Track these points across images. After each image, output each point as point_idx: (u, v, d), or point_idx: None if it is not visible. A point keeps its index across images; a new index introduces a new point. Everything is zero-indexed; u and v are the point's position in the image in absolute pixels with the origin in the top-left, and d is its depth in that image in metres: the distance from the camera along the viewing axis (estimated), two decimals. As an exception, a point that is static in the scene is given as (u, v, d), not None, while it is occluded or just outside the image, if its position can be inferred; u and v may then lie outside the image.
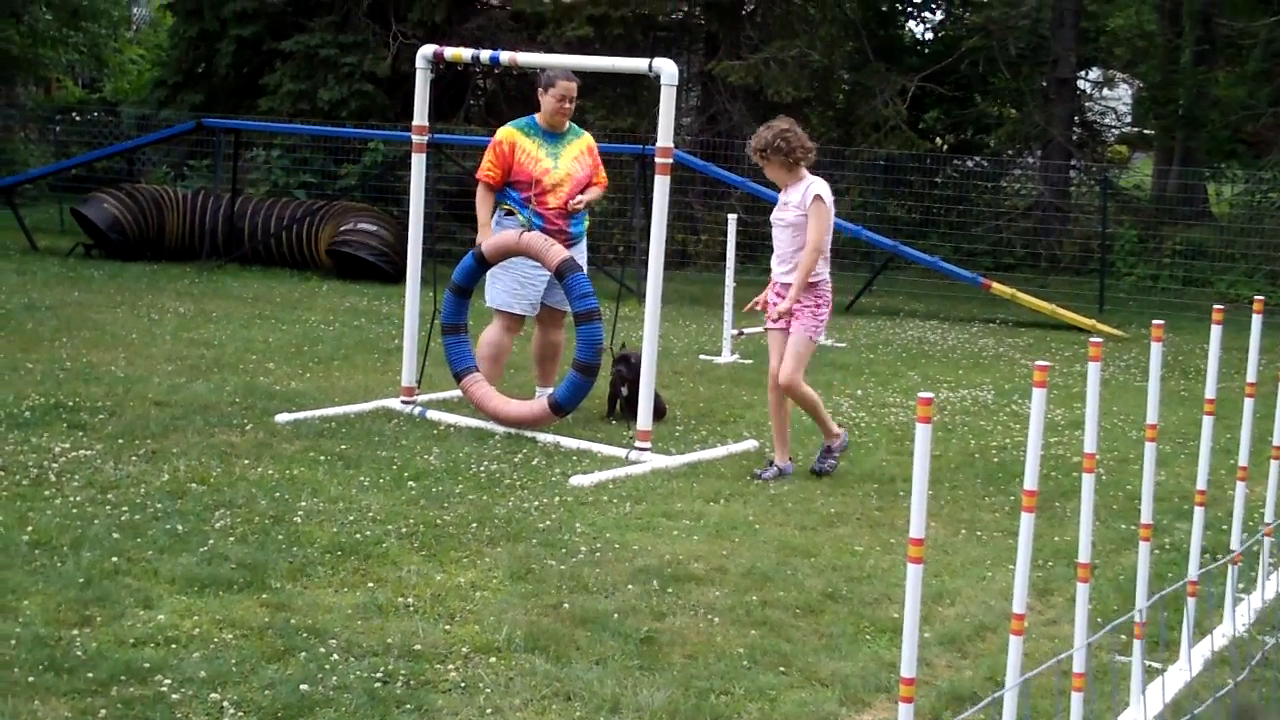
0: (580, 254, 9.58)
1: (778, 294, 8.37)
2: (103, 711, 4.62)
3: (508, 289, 9.60)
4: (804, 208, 8.21)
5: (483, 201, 9.59)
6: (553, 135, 9.65)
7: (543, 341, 9.94)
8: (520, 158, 9.50)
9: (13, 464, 7.53)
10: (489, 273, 9.54)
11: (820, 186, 8.25)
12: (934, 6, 27.12)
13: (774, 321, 8.26)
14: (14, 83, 26.18)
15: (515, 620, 5.65)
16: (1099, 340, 4.32)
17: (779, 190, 8.50)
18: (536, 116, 9.66)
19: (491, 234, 9.46)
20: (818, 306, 8.24)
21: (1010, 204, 22.78)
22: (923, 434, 3.84)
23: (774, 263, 8.44)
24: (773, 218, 8.45)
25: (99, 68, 31.76)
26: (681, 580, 6.27)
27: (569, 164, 9.59)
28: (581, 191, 9.64)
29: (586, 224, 9.90)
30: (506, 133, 9.60)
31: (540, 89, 9.60)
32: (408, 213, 10.22)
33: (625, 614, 5.78)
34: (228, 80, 23.11)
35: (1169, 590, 5.36)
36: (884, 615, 5.97)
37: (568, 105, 9.61)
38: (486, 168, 9.58)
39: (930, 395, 3.77)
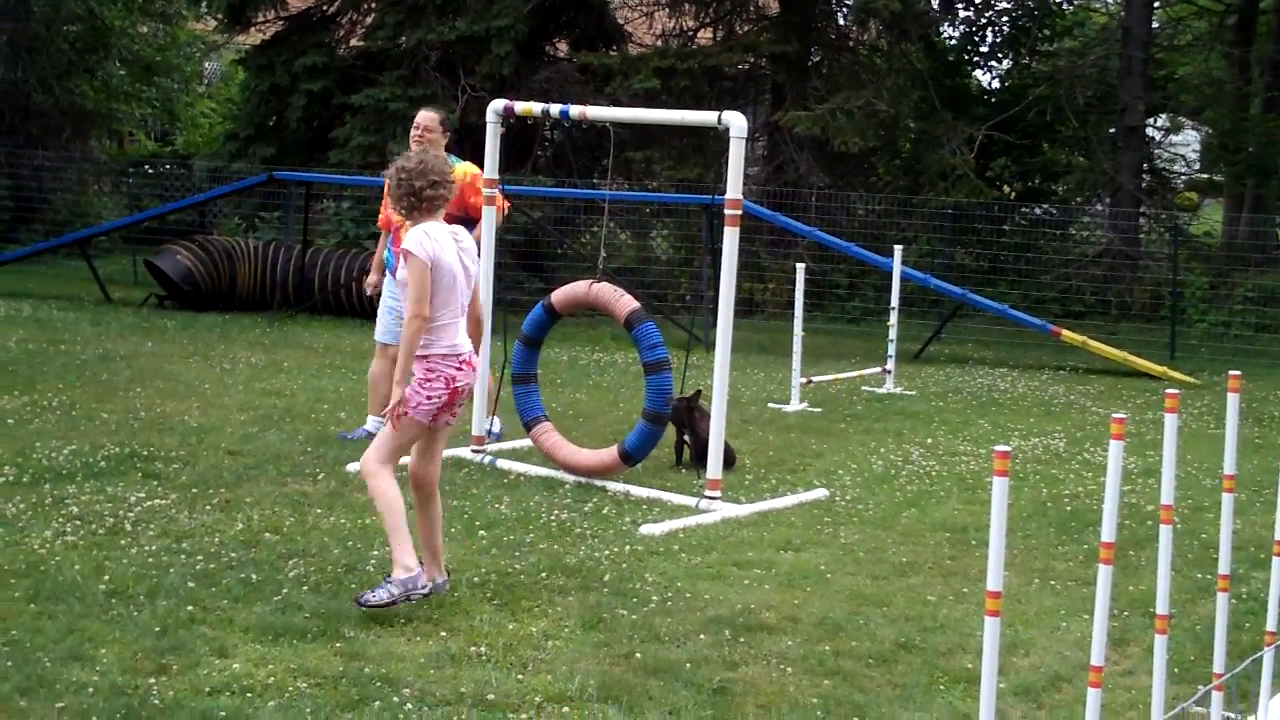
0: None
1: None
2: (180, 759, 4.65)
3: (390, 322, 9.77)
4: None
5: (378, 248, 10.04)
6: None
7: (376, 372, 9.95)
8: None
9: (89, 513, 7.61)
10: (381, 305, 9.92)
11: (411, 238, 6.40)
12: (1001, 56, 27.07)
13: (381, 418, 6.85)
14: (88, 136, 26.56)
15: (588, 670, 5.65)
16: (1175, 391, 4.29)
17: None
18: None
19: (375, 270, 10.07)
20: (425, 380, 6.39)
21: (1079, 251, 22.66)
22: (1000, 487, 3.82)
23: None
24: None
25: (171, 121, 32.18)
26: (753, 630, 6.25)
27: None
28: (452, 222, 9.41)
29: None
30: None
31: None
32: (476, 262, 10.29)
33: (697, 664, 5.77)
34: (298, 133, 23.35)
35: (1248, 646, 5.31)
36: (958, 665, 5.93)
37: (419, 135, 9.63)
38: (381, 210, 9.93)
39: (1007, 448, 3.75)
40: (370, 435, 9.32)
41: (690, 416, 9.58)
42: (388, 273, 9.92)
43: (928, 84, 23.31)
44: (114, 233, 22.26)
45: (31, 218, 23.23)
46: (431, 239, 6.35)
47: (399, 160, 6.50)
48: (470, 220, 9.69)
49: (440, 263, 6.35)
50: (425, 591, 6.27)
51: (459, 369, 6.43)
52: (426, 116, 9.75)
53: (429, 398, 6.38)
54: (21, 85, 23.94)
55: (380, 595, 6.18)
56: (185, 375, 12.46)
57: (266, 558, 6.97)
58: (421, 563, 6.41)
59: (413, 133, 9.71)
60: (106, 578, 6.50)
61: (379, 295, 10.15)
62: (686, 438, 9.66)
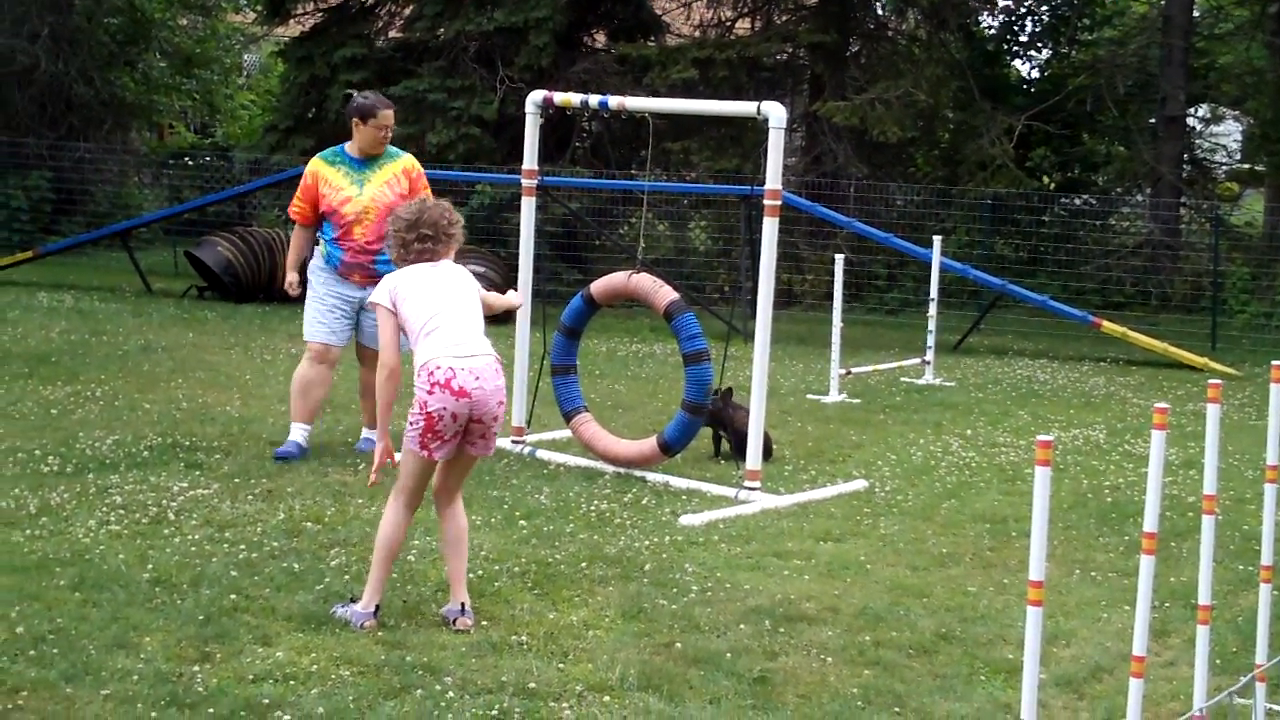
0: None
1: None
2: (224, 747, 4.69)
3: (311, 318, 9.30)
4: None
5: (293, 238, 9.44)
6: (361, 162, 9.26)
7: (364, 380, 9.38)
8: (323, 189, 9.18)
9: (132, 503, 7.67)
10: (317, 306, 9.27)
11: (378, 288, 6.30)
12: (1040, 45, 26.95)
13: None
14: (129, 129, 26.71)
15: (628, 659, 5.67)
16: (1218, 382, 4.28)
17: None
18: (346, 145, 9.34)
19: (291, 268, 9.37)
20: (414, 402, 6.05)
21: (1119, 242, 22.55)
22: (1042, 477, 3.83)
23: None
24: None
25: (211, 113, 32.33)
26: (793, 620, 6.26)
27: (376, 190, 9.18)
28: None
29: None
30: (313, 164, 9.34)
31: (355, 118, 9.21)
32: (514, 254, 10.30)
33: (738, 653, 5.78)
34: (338, 125, 23.32)
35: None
36: (998, 656, 5.93)
37: (385, 135, 9.29)
38: (294, 203, 9.35)
39: (1050, 438, 3.75)
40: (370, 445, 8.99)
41: (725, 414, 9.54)
42: (320, 271, 9.29)
43: (966, 74, 23.22)
44: (155, 224, 22.37)
45: (73, 209, 23.38)
46: (392, 277, 6.23)
47: (399, 209, 6.43)
48: None
49: (400, 293, 6.13)
50: (366, 628, 5.87)
51: (430, 391, 5.94)
52: (391, 116, 9.33)
53: (411, 423, 6.02)
54: (63, 77, 24.07)
55: (341, 613, 5.98)
56: (226, 366, 12.53)
57: (308, 547, 7.01)
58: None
59: (382, 134, 9.26)
60: (150, 566, 6.55)
61: (302, 296, 9.49)
62: (723, 434, 9.67)
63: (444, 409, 5.91)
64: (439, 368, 5.92)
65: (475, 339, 6.08)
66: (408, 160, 9.48)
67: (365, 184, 9.19)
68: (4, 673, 5.22)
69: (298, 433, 9.17)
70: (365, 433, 9.48)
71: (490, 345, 6.16)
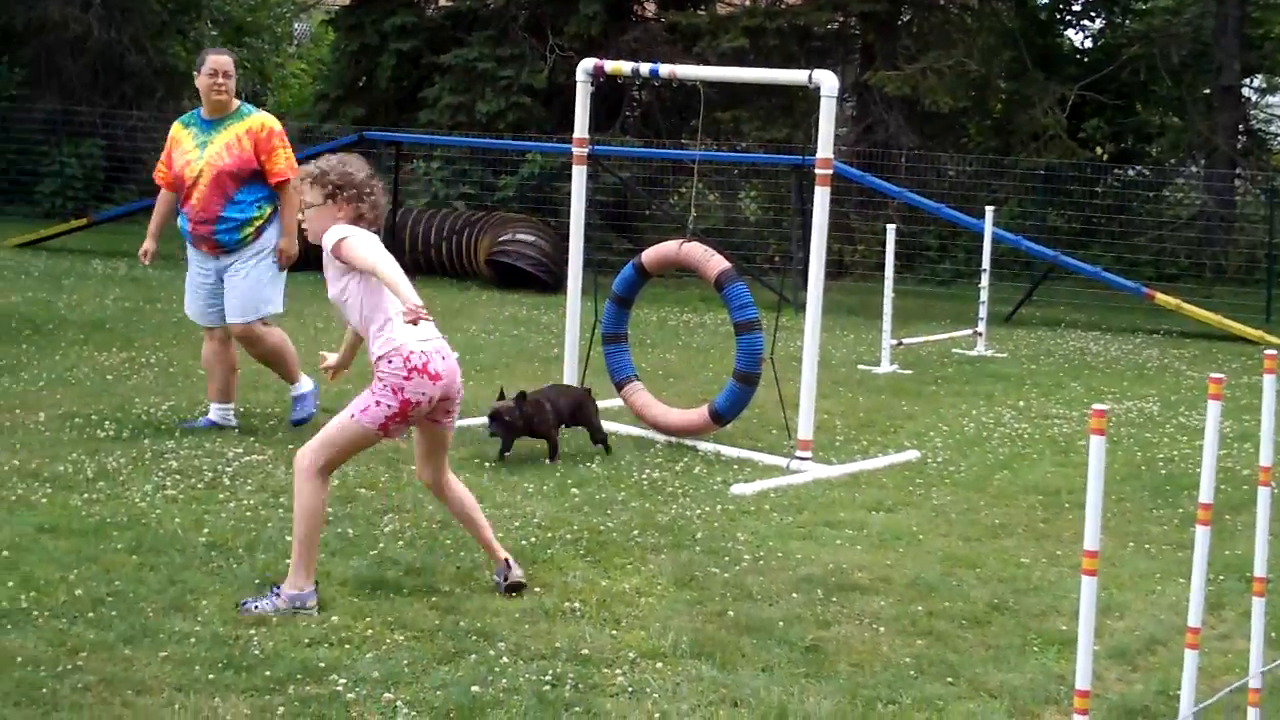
0: (251, 259, 8.63)
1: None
2: (281, 709, 4.73)
3: (186, 298, 8.94)
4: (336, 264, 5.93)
5: (158, 203, 8.87)
6: (210, 123, 8.62)
7: (210, 353, 8.89)
8: (174, 152, 8.66)
9: (188, 468, 7.74)
10: (189, 283, 8.85)
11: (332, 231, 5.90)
12: (1094, 14, 26.71)
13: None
14: (180, 97, 26.74)
15: (680, 626, 5.68)
16: (1274, 353, 4.24)
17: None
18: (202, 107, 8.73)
19: (150, 235, 8.77)
20: (384, 386, 5.71)
21: (1173, 214, 22.37)
22: (1097, 446, 3.81)
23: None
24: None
25: (262, 82, 32.41)
26: (845, 589, 6.26)
27: (213, 153, 8.50)
28: (238, 182, 8.48)
29: (257, 223, 8.61)
30: (174, 127, 8.78)
31: (196, 73, 8.63)
32: (564, 223, 10.30)
33: (790, 622, 5.79)
34: (388, 94, 23.46)
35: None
36: (1051, 627, 5.91)
37: (220, 82, 8.52)
38: (158, 167, 8.82)
39: (1104, 407, 3.74)
40: (213, 425, 8.74)
41: (532, 421, 8.42)
42: (189, 245, 8.76)
43: (1019, 43, 23.04)
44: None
45: (126, 178, 23.50)
46: (358, 233, 5.87)
47: (323, 161, 6.04)
48: (266, 186, 8.63)
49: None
50: (313, 609, 5.63)
51: (408, 378, 5.67)
52: (223, 61, 8.57)
53: (376, 403, 5.69)
54: (115, 46, 24.20)
55: (263, 606, 5.63)
56: (279, 333, 12.59)
57: (362, 513, 7.05)
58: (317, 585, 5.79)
59: (215, 82, 8.52)
60: (206, 531, 6.60)
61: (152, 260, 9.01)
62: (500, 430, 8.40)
63: (423, 394, 5.70)
64: (413, 353, 5.69)
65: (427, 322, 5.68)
66: (255, 119, 8.64)
67: (207, 146, 8.56)
68: (64, 634, 5.28)
69: (215, 413, 8.85)
70: (215, 410, 8.87)
71: None
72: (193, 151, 8.58)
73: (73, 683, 4.86)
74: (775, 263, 20.22)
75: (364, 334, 5.89)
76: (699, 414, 9.13)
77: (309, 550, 5.72)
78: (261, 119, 8.67)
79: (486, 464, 8.21)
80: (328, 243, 5.79)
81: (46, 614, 5.48)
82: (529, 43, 21.88)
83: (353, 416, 5.72)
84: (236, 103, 8.70)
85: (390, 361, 5.71)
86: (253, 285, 8.65)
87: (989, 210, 14.66)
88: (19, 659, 5.03)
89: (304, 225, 5.96)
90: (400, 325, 5.70)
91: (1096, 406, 3.78)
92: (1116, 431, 10.12)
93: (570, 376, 9.69)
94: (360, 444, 5.85)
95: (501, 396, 8.37)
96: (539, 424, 8.38)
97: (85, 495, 7.13)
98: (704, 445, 8.99)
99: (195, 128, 8.69)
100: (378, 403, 5.70)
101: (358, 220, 5.93)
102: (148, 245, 8.94)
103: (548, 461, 8.38)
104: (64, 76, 24.08)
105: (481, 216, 18.28)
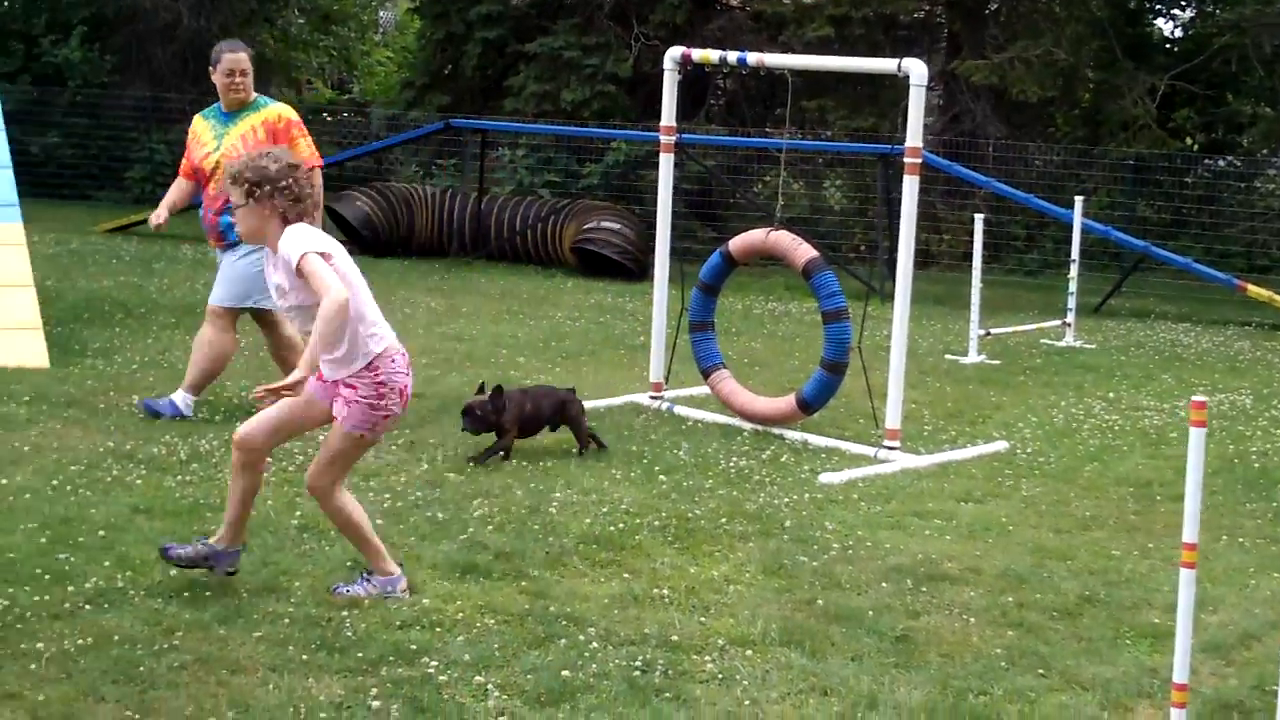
0: (239, 256, 8.63)
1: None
2: (374, 690, 4.77)
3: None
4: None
5: (171, 189, 9.02)
6: (228, 115, 8.79)
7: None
8: (193, 145, 8.88)
9: (279, 451, 7.75)
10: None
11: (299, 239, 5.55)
12: (1184, 4, 26.38)
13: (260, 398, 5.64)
14: (269, 85, 26.95)
15: (769, 614, 5.68)
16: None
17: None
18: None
19: (162, 205, 8.85)
20: (378, 397, 5.63)
21: (1264, 205, 22.07)
22: (1196, 438, 3.78)
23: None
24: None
25: (348, 70, 32.63)
26: (935, 580, 6.23)
27: (230, 145, 8.62)
28: None
29: None
30: (195, 120, 9.01)
31: (211, 69, 8.74)
32: (649, 211, 10.30)
33: (879, 611, 5.77)
34: (473, 81, 23.54)
35: None
36: (1143, 620, 5.86)
37: (238, 80, 8.65)
38: (182, 160, 9.02)
39: (1204, 399, 3.70)
40: (177, 410, 8.56)
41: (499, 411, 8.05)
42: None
43: (1108, 32, 22.78)
44: (294, 179, 22.63)
45: (215, 164, 23.74)
46: (316, 236, 5.60)
47: (273, 149, 5.89)
48: None
49: (336, 255, 5.57)
50: (403, 593, 5.69)
51: (406, 374, 5.71)
52: (240, 59, 8.69)
53: (382, 415, 5.66)
54: (204, 34, 24.38)
55: (355, 590, 5.69)
56: (366, 319, 12.67)
57: (451, 497, 7.10)
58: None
59: (233, 80, 8.66)
60: (298, 513, 6.67)
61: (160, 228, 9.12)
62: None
63: (407, 392, 5.73)
64: (401, 354, 5.71)
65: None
66: (272, 110, 8.78)
67: (224, 138, 8.73)
68: (160, 614, 5.36)
69: (180, 398, 8.69)
70: (181, 396, 8.68)
71: None
72: (210, 144, 8.76)
73: (169, 661, 4.93)
74: (861, 252, 20.14)
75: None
76: (786, 402, 9.11)
77: (370, 546, 5.75)
78: (279, 110, 8.81)
79: (573, 449, 8.22)
80: (291, 255, 5.48)
81: (142, 593, 5.56)
82: (614, 31, 21.88)
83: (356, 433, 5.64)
84: (254, 95, 8.84)
85: (380, 362, 5.62)
86: (255, 274, 8.46)
87: (1078, 200, 14.52)
88: (116, 637, 5.11)
89: (236, 227, 5.74)
90: (383, 326, 5.68)
91: (1196, 398, 3.75)
92: (1209, 424, 9.99)
93: (656, 364, 9.70)
94: (359, 453, 5.84)
95: (481, 391, 8.17)
96: (499, 421, 7.97)
97: (179, 477, 7.22)
98: (791, 434, 8.96)
99: (214, 120, 8.87)
100: (370, 408, 5.61)
101: (285, 215, 5.60)
102: (158, 211, 9.02)
103: (471, 464, 7.85)
104: (154, 64, 24.34)
105: (566, 204, 18.32)
